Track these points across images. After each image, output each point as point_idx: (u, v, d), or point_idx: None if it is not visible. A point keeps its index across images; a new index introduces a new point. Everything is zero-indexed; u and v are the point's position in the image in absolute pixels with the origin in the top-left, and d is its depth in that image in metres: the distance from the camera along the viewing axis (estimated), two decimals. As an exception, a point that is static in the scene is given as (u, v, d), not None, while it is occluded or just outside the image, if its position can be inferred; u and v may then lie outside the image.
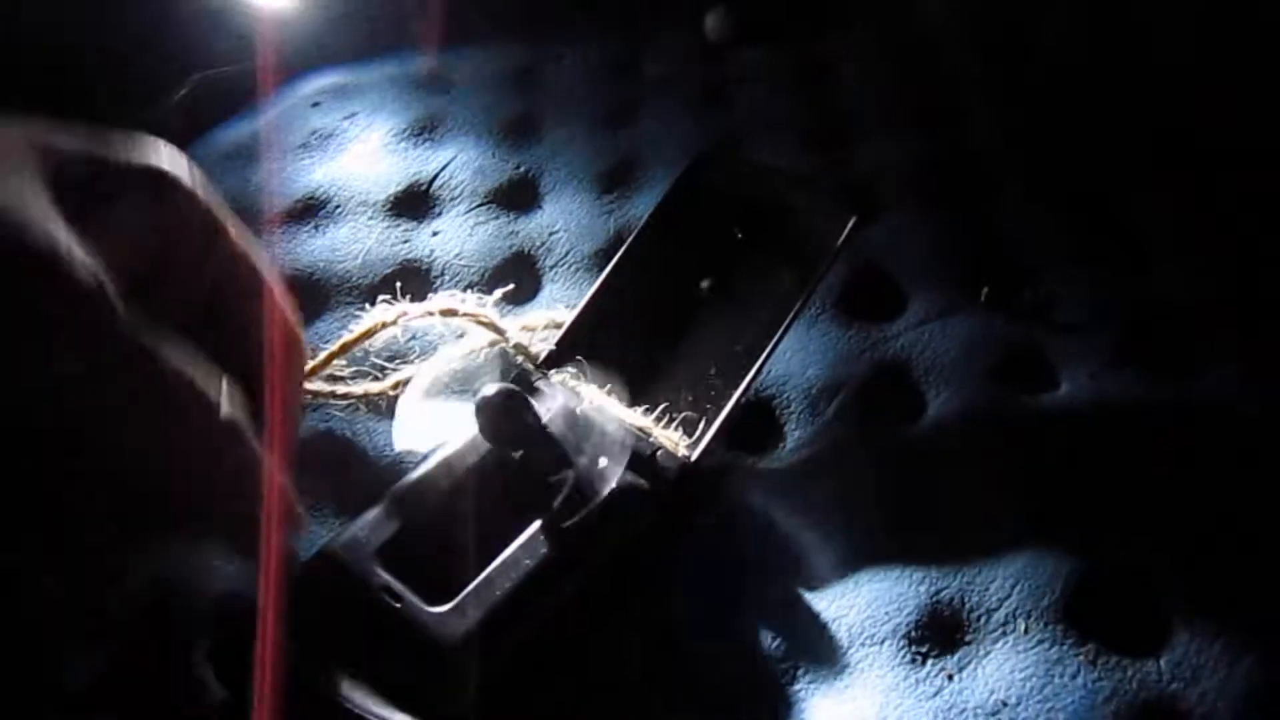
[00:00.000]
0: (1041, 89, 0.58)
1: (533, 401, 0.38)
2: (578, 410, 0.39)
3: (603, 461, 0.37)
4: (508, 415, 0.37)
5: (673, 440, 0.39)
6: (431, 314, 0.43)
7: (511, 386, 0.38)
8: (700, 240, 0.44)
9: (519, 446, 0.37)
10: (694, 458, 0.39)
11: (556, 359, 0.42)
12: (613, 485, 0.36)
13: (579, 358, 0.41)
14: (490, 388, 0.37)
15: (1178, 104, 0.56)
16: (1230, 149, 0.54)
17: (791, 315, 0.40)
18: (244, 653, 0.34)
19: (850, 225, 0.41)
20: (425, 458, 0.38)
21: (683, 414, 0.40)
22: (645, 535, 0.38)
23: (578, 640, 0.37)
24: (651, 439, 0.39)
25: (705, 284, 0.43)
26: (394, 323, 0.43)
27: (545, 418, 0.38)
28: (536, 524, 0.36)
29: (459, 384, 0.42)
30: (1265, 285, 0.48)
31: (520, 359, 0.42)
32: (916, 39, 0.63)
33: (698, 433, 0.39)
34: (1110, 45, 0.60)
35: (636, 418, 0.40)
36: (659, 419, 0.40)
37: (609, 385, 0.41)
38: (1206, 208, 0.52)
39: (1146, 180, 0.53)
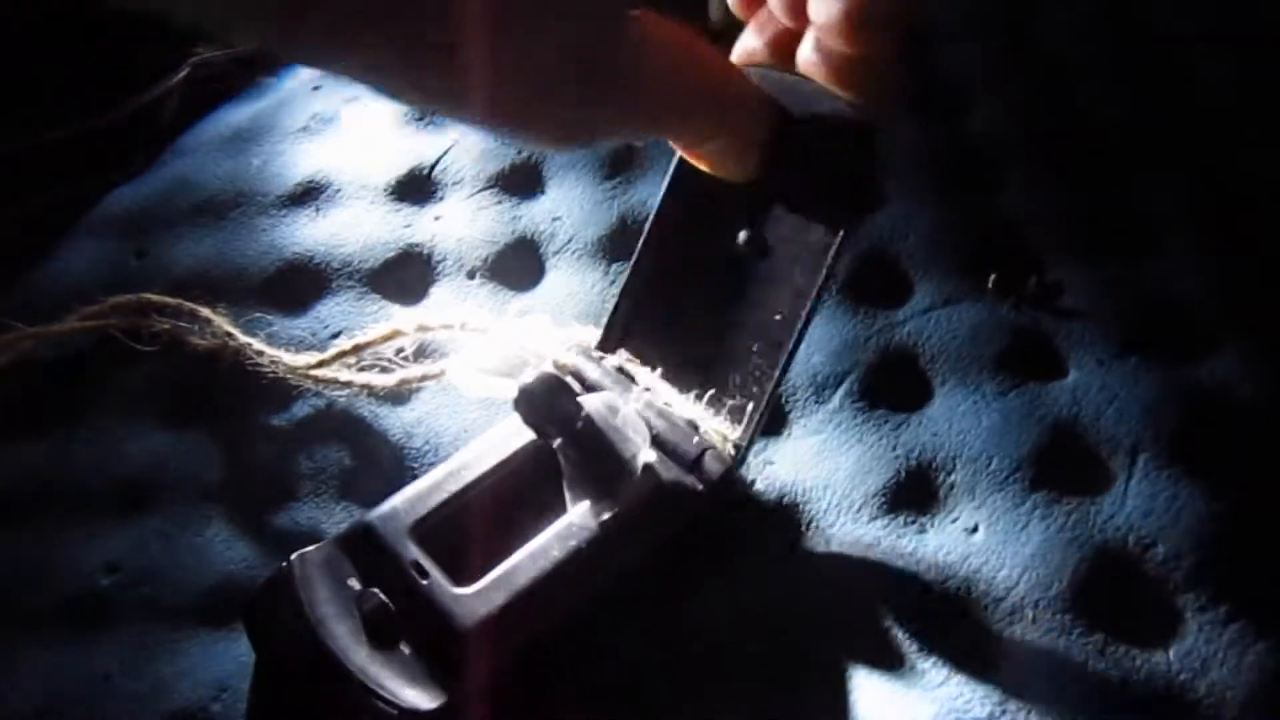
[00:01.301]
0: (1048, 74, 0.57)
1: (577, 389, 0.37)
2: (626, 400, 0.38)
3: (646, 456, 0.36)
4: (549, 402, 0.36)
5: (721, 433, 0.38)
6: (450, 327, 0.43)
7: (555, 373, 0.37)
8: (730, 190, 0.39)
9: (559, 435, 0.37)
10: (744, 447, 0.38)
11: (606, 344, 0.41)
12: (658, 481, 0.36)
13: (630, 341, 0.41)
14: (533, 373, 0.37)
15: (1185, 90, 0.56)
16: (1237, 134, 0.54)
17: (822, 278, 0.36)
18: (271, 614, 0.34)
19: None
20: (470, 439, 0.38)
21: (730, 400, 0.38)
22: (683, 535, 0.38)
23: (596, 634, 0.36)
24: (702, 433, 0.38)
25: (742, 237, 0.39)
26: (408, 333, 0.43)
27: (590, 405, 0.37)
28: (570, 515, 0.36)
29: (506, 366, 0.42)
30: (1271, 270, 0.48)
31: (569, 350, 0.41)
32: (924, 23, 0.62)
33: (745, 421, 0.38)
34: (1116, 31, 0.59)
35: (687, 407, 0.39)
36: (709, 406, 0.39)
37: (660, 370, 0.40)
38: (1214, 193, 0.51)
39: (1153, 166, 0.52)
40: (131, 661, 0.38)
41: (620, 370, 0.40)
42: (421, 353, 0.45)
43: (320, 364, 0.44)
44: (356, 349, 0.44)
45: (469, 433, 0.43)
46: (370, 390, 0.43)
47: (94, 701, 0.37)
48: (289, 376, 0.44)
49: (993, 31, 0.60)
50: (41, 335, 0.45)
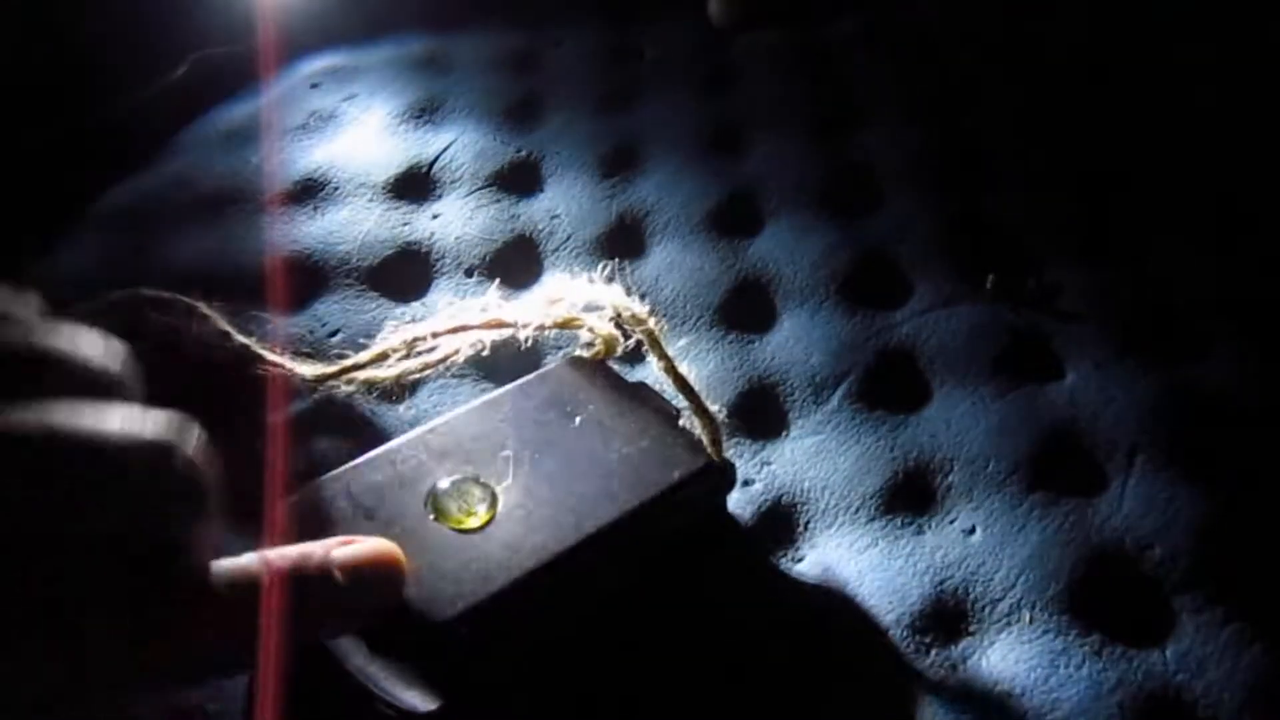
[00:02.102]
0: (1047, 74, 0.57)
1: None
2: (643, 393, 0.39)
3: (666, 450, 0.37)
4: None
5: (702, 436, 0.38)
6: (437, 334, 0.42)
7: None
8: None
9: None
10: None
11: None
12: (659, 487, 0.36)
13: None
14: None
15: (1180, 91, 0.56)
16: (1233, 136, 0.54)
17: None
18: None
19: None
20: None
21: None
22: (681, 538, 0.38)
23: (594, 637, 0.36)
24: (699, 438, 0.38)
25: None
26: (407, 351, 0.42)
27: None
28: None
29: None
30: (1268, 271, 0.48)
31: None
32: (922, 25, 0.62)
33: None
34: (1113, 33, 0.60)
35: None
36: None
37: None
38: (1212, 195, 0.51)
39: (1149, 167, 0.53)
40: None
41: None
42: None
43: (320, 380, 0.43)
44: (354, 368, 0.43)
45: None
46: (370, 385, 0.43)
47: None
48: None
49: (991, 33, 0.60)
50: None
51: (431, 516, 0.34)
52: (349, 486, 0.35)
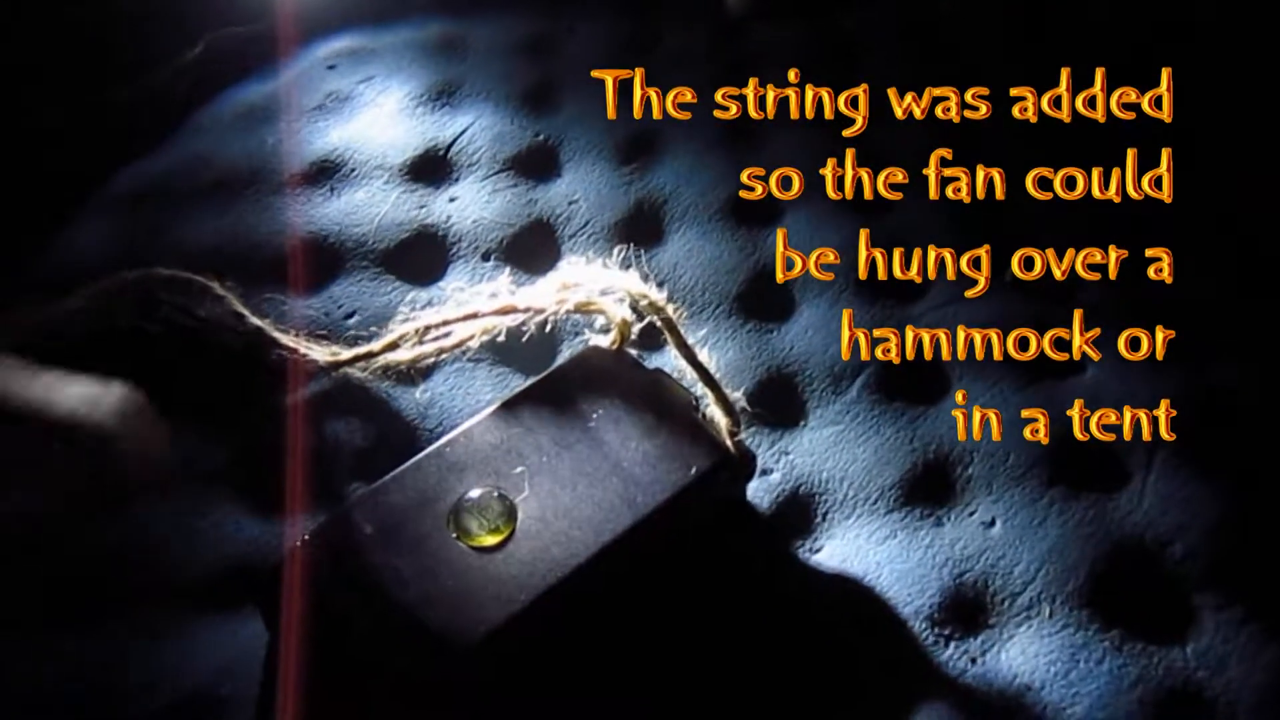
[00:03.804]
0: (1054, 65, 0.57)
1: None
2: (661, 381, 0.38)
3: (684, 443, 0.36)
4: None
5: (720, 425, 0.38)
6: (449, 321, 0.42)
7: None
8: None
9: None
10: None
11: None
12: (698, 467, 0.36)
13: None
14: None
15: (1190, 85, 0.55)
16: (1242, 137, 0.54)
17: None
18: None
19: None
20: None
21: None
22: (698, 531, 0.38)
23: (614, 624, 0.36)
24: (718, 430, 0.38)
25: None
26: (419, 337, 0.42)
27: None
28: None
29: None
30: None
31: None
32: (940, 15, 0.62)
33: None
34: (1118, 22, 0.59)
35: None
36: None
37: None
38: (1219, 192, 0.51)
39: (1160, 165, 0.52)
40: (139, 646, 0.37)
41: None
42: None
43: (334, 365, 0.43)
44: (367, 355, 0.43)
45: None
46: (386, 368, 0.43)
47: (101, 687, 0.36)
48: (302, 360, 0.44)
49: (999, 20, 0.60)
50: (49, 314, 0.45)
51: (454, 535, 0.34)
52: (372, 511, 0.35)
